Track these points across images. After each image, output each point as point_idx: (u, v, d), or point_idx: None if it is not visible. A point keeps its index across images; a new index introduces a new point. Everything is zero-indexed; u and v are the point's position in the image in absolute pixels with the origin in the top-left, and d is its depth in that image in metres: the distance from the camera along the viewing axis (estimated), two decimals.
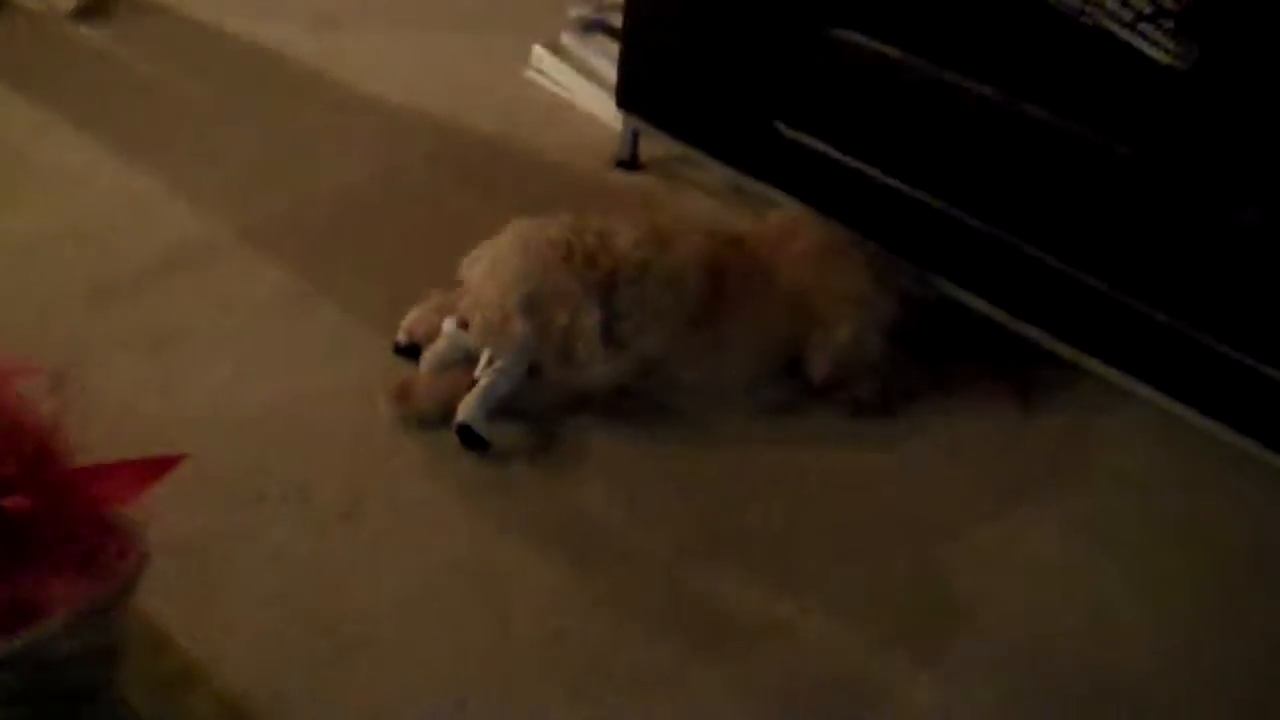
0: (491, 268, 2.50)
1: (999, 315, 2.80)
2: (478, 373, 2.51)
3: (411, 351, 2.67)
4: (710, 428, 2.63)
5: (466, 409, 2.46)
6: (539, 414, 2.59)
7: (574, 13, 3.86)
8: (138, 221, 3.06)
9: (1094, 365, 2.72)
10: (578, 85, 3.70)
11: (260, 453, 2.46)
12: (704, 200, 3.29)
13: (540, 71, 3.83)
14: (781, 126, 2.95)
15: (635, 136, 3.38)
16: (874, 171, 2.80)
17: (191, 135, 3.43)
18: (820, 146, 2.88)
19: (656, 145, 3.36)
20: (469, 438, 2.46)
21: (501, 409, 2.51)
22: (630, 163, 3.41)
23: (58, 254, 2.94)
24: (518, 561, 2.30)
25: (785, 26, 2.85)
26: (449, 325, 2.58)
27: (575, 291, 2.46)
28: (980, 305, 2.82)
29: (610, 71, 3.42)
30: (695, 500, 2.46)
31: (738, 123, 3.07)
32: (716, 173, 3.24)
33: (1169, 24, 2.57)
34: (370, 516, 2.36)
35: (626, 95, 3.29)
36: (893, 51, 2.66)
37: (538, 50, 3.83)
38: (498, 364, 2.51)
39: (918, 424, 2.69)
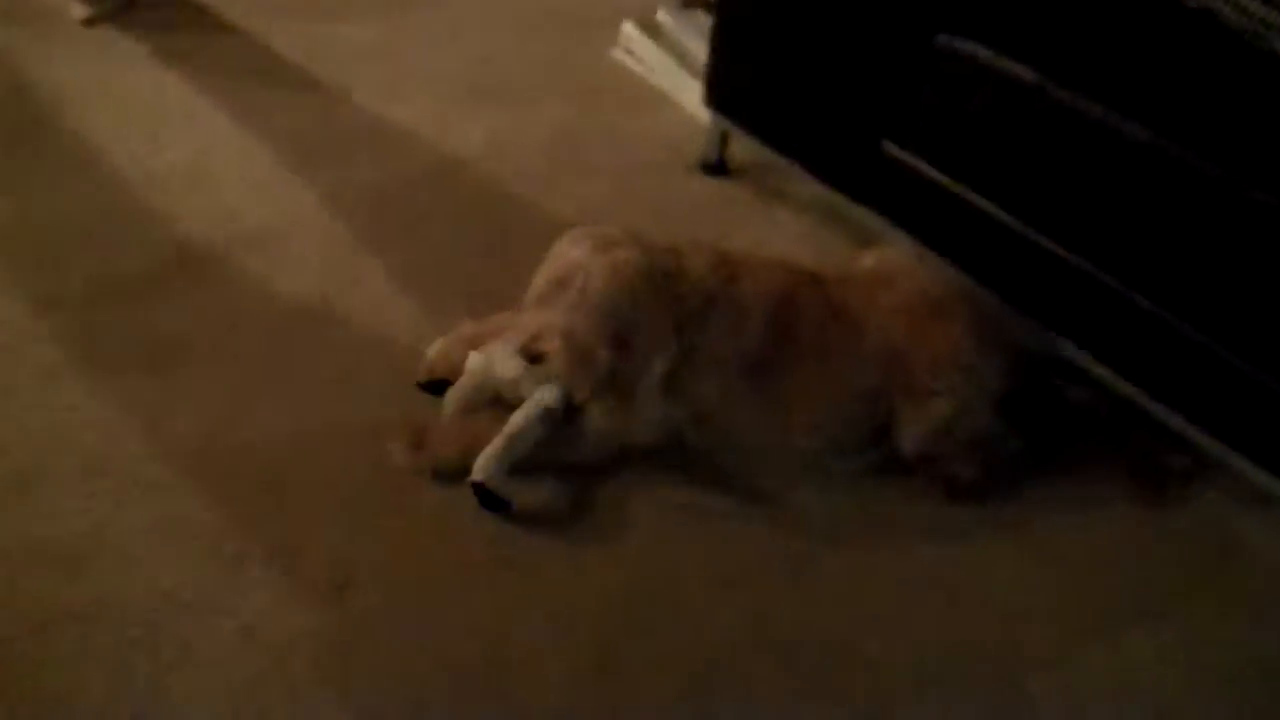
0: (579, 295, 2.14)
1: (1129, 390, 2.35)
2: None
3: (438, 388, 2.31)
4: (770, 503, 2.25)
5: (485, 464, 2.13)
6: (572, 469, 2.24)
7: None
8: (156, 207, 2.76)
9: (1240, 462, 2.25)
10: (668, 71, 3.31)
11: (247, 503, 2.15)
12: (794, 221, 2.89)
13: (629, 52, 3.45)
14: (890, 145, 2.52)
15: (724, 138, 2.97)
16: (991, 206, 2.37)
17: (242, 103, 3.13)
18: (932, 172, 2.46)
19: (749, 149, 2.95)
20: (486, 498, 2.11)
21: (529, 464, 2.18)
22: (717, 167, 3.02)
23: (60, 241, 2.67)
24: (528, 655, 1.97)
25: (892, 30, 2.44)
26: (475, 360, 2.23)
27: (667, 329, 2.15)
28: (1107, 376, 2.37)
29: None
30: (741, 597, 2.09)
31: (839, 136, 2.66)
32: (813, 190, 2.82)
33: None
34: (363, 590, 2.04)
35: (715, 94, 2.90)
36: (1019, 70, 2.23)
37: (628, 28, 3.45)
38: (531, 405, 2.16)
39: (1020, 515, 2.27)
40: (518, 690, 1.90)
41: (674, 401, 2.21)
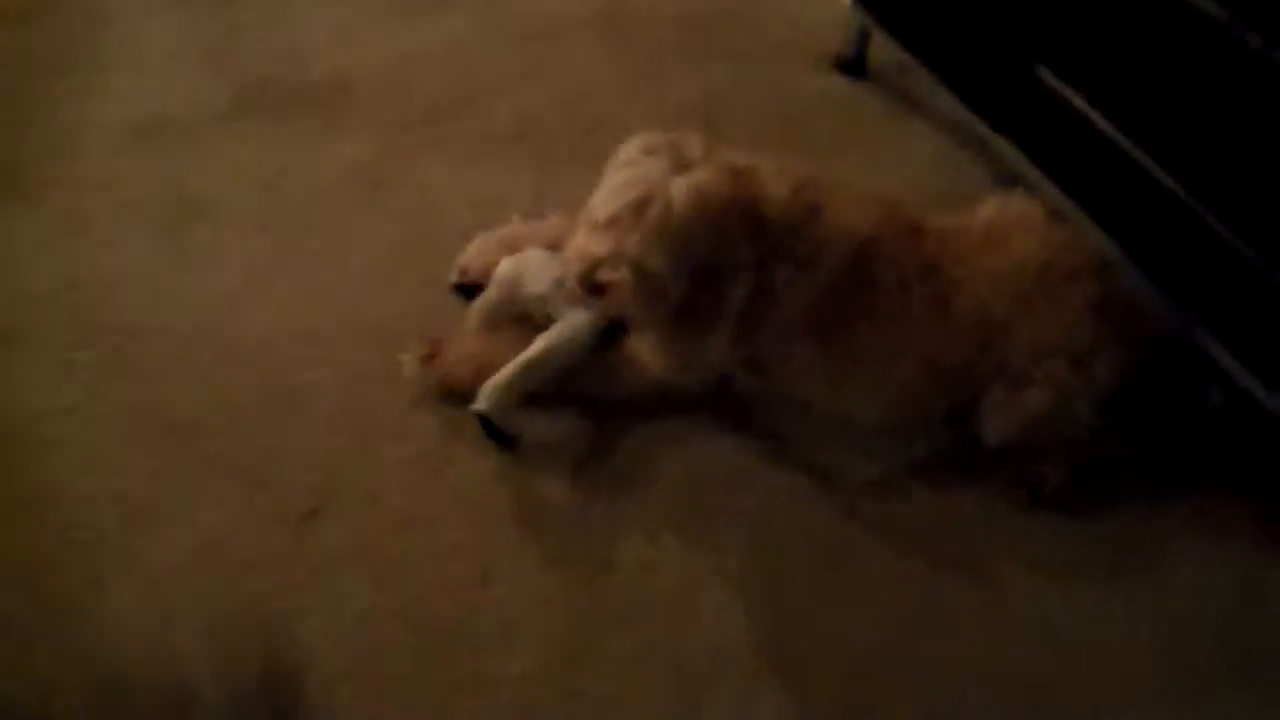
0: (658, 223, 1.77)
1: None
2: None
3: (472, 291, 2.06)
4: (814, 480, 1.93)
5: (491, 392, 1.87)
6: (598, 405, 1.97)
7: None
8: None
9: None
10: None
11: (231, 403, 1.95)
12: (928, 142, 2.49)
13: None
14: (1044, 71, 2.10)
15: (864, 36, 2.57)
16: (1150, 162, 1.95)
17: None
18: (1087, 110, 2.03)
19: (894, 50, 2.52)
20: (490, 430, 1.85)
21: (550, 394, 1.93)
22: (853, 66, 2.63)
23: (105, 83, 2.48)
24: (499, 632, 1.72)
25: None
26: (505, 268, 1.95)
27: (750, 265, 1.82)
28: (1256, 388, 1.93)
29: None
30: (756, 591, 1.79)
31: (988, 52, 2.25)
32: (959, 109, 2.39)
33: None
34: (331, 524, 1.82)
35: None
36: (1206, 3, 1.76)
37: None
38: (557, 331, 1.90)
39: (1113, 536, 1.90)
40: (486, 669, 1.67)
41: (735, 343, 1.89)
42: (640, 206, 1.77)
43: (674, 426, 1.95)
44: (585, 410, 1.96)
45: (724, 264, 1.81)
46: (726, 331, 1.88)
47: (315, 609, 1.71)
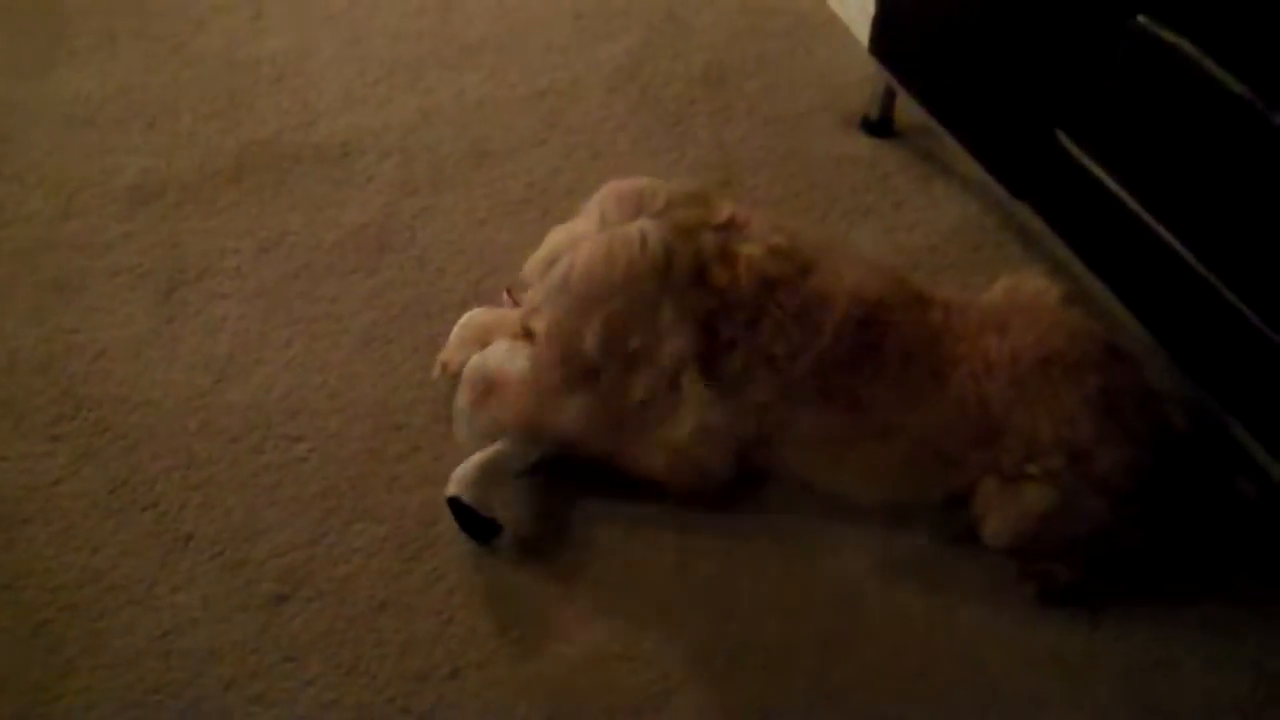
0: (563, 277, 1.79)
1: None
2: None
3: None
4: (810, 561, 1.85)
5: (464, 474, 1.78)
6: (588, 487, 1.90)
7: None
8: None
9: None
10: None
11: (213, 474, 1.92)
12: (951, 205, 2.40)
13: None
14: (1063, 136, 2.00)
15: (890, 96, 2.48)
16: (1168, 233, 1.85)
17: None
18: (1105, 177, 1.94)
19: (920, 110, 2.43)
20: (466, 519, 1.78)
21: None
22: (878, 126, 2.54)
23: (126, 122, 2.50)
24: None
25: (1080, 3, 1.91)
26: (473, 364, 1.91)
27: (681, 320, 1.77)
28: None
29: None
30: (749, 691, 1.70)
31: (1008, 114, 2.16)
32: (983, 173, 2.30)
33: None
34: (304, 608, 1.77)
35: (881, 41, 2.42)
36: (1226, 76, 1.69)
37: None
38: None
39: (1132, 634, 1.79)
40: None
41: (734, 409, 1.82)
42: (549, 262, 1.81)
43: (662, 511, 1.87)
44: (569, 494, 1.88)
45: (644, 317, 1.77)
46: (691, 396, 1.81)
47: (279, 700, 1.66)
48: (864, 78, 2.56)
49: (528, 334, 1.87)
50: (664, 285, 1.76)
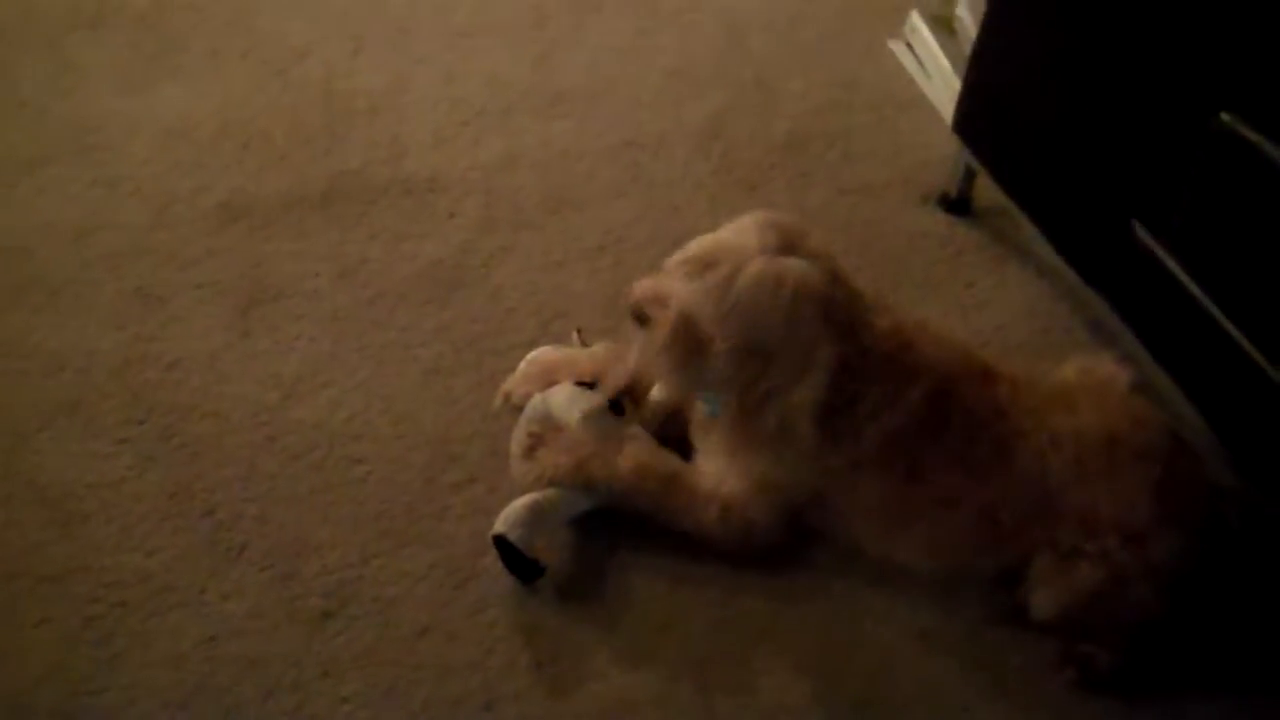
0: (722, 285, 1.70)
1: None
2: None
3: None
4: (852, 625, 1.85)
5: (512, 514, 1.80)
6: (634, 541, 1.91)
7: None
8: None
9: None
10: (944, 77, 2.83)
11: (273, 489, 1.96)
12: (1024, 287, 2.40)
13: (909, 46, 2.99)
14: (1139, 229, 2.00)
15: (970, 175, 2.50)
16: (1240, 335, 1.84)
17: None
18: (1179, 272, 1.93)
19: (998, 192, 2.44)
20: (511, 558, 1.79)
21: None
22: (956, 204, 2.55)
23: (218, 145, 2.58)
24: None
25: (1168, 94, 1.92)
26: (535, 401, 1.94)
27: (826, 370, 1.73)
28: None
29: None
30: None
31: (1085, 201, 2.16)
32: (1054, 258, 2.31)
33: None
34: (350, 626, 1.80)
35: (964, 120, 2.43)
36: None
37: (915, 19, 2.97)
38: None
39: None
40: None
41: (806, 469, 1.83)
42: (711, 261, 1.72)
43: (707, 566, 1.88)
44: (613, 543, 1.91)
45: (792, 354, 1.73)
46: (803, 433, 1.77)
47: (315, 714, 1.68)
48: (945, 155, 2.58)
49: (640, 316, 1.79)
50: (823, 328, 1.73)
